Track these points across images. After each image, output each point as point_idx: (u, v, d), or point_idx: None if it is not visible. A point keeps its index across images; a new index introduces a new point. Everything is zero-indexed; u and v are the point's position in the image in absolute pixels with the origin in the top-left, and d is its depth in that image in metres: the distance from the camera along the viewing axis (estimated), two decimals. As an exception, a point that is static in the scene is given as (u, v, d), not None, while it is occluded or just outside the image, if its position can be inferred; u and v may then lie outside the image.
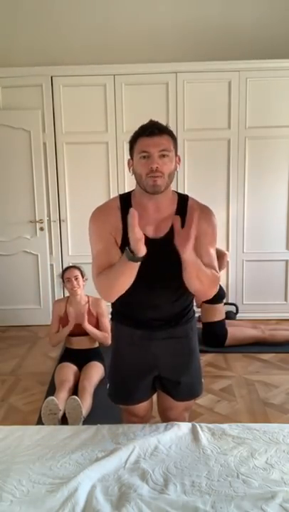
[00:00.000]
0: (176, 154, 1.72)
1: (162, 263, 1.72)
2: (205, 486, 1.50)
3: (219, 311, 3.82)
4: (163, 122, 1.77)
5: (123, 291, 1.68)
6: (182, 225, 1.61)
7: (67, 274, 3.34)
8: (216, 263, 1.79)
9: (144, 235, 1.63)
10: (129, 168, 1.76)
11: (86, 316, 3.23)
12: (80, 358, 3.20)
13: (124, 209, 1.73)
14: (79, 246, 4.42)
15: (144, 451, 1.67)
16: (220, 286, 3.76)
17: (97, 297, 3.25)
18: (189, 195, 1.86)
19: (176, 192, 1.83)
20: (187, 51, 4.40)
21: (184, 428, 1.81)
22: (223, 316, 3.86)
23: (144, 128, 1.69)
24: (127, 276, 1.64)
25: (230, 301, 4.56)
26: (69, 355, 3.28)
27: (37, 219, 4.46)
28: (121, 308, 1.88)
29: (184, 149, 4.33)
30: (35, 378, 3.46)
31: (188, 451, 1.69)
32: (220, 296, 3.74)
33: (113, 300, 1.77)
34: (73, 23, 4.44)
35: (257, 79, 4.28)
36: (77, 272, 3.32)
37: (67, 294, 3.51)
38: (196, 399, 2.00)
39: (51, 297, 4.56)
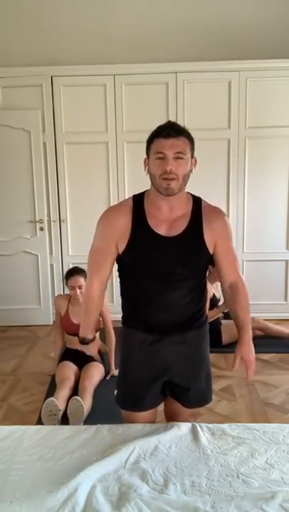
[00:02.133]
0: (192, 156, 1.72)
1: (175, 262, 1.73)
2: (205, 486, 1.50)
3: (210, 316, 3.88)
4: (163, 122, 1.77)
5: None
6: (197, 221, 1.74)
7: (72, 283, 3.27)
8: (237, 263, 1.88)
9: (158, 233, 1.72)
10: (145, 168, 1.76)
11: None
12: (81, 359, 3.18)
13: (136, 208, 1.76)
14: (79, 246, 4.42)
15: (144, 451, 1.67)
16: (213, 294, 3.73)
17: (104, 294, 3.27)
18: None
19: (190, 193, 1.83)
20: (187, 51, 4.40)
21: (184, 428, 1.81)
22: (214, 318, 3.90)
23: (162, 128, 1.69)
24: None
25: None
26: (69, 354, 3.26)
27: (37, 219, 4.46)
28: (133, 309, 1.84)
29: (184, 149, 4.33)
30: (35, 378, 3.46)
31: (188, 451, 1.69)
32: (211, 304, 3.75)
33: None
34: (73, 23, 4.44)
35: (257, 79, 4.28)
36: (81, 281, 3.22)
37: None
38: (205, 405, 1.98)
39: (51, 297, 4.56)
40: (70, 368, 3.12)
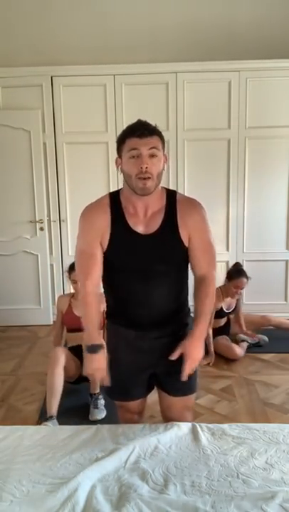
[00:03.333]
0: (163, 153, 1.74)
1: (154, 258, 1.75)
2: (205, 486, 1.50)
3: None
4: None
5: None
6: (171, 216, 1.75)
7: (74, 276, 3.20)
8: (213, 257, 1.84)
9: (136, 231, 1.75)
10: (117, 167, 1.78)
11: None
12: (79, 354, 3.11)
13: (113, 206, 1.78)
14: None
15: (144, 451, 1.67)
16: (221, 307, 3.73)
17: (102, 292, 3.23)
18: (192, 196, 1.89)
19: (164, 187, 1.84)
20: (187, 51, 4.40)
21: (184, 428, 1.81)
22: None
23: (134, 129, 1.69)
24: None
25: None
26: (71, 352, 3.16)
27: (37, 219, 4.46)
28: (115, 305, 1.89)
29: (183, 149, 4.33)
30: (35, 378, 3.46)
31: (188, 451, 1.69)
32: (216, 316, 3.74)
33: None
34: (73, 23, 4.44)
35: (257, 79, 4.28)
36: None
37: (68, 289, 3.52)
38: (191, 395, 1.98)
39: (51, 297, 4.56)
40: (60, 373, 2.92)
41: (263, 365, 3.53)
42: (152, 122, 1.74)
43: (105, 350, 1.78)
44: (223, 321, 3.84)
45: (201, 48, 4.40)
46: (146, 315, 1.81)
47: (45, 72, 4.29)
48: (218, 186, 4.42)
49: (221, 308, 3.75)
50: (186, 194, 1.84)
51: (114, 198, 1.81)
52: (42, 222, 4.46)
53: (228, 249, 4.48)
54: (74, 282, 3.20)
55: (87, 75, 4.30)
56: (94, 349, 1.76)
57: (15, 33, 4.44)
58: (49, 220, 4.50)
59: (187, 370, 1.72)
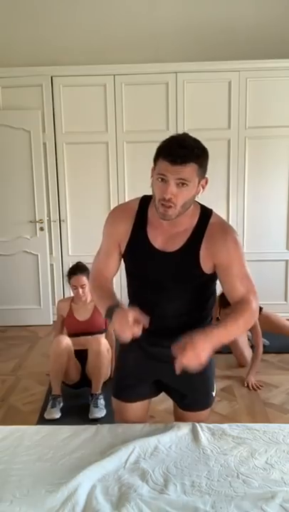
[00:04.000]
0: (200, 180, 1.56)
1: (166, 277, 1.66)
2: (205, 486, 1.50)
3: None
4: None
5: None
6: (197, 238, 1.62)
7: (74, 281, 3.22)
8: (249, 283, 1.66)
9: (153, 246, 1.65)
10: (151, 177, 1.62)
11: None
12: (85, 357, 3.11)
13: (139, 214, 1.70)
14: (79, 246, 4.42)
15: (144, 451, 1.67)
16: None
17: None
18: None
19: (200, 204, 1.69)
20: (187, 51, 4.40)
21: (183, 428, 1.80)
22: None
23: (169, 150, 1.50)
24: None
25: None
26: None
27: (37, 219, 4.46)
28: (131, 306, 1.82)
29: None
30: (35, 378, 3.46)
31: (188, 451, 1.69)
32: None
33: None
34: (73, 23, 4.44)
35: (257, 79, 4.28)
36: (84, 280, 3.16)
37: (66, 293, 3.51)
38: (203, 411, 1.88)
39: (51, 297, 4.56)
40: (65, 353, 3.00)
41: (263, 365, 3.53)
42: (198, 137, 1.58)
43: (125, 305, 1.66)
44: None
45: (201, 48, 4.40)
46: (158, 324, 1.70)
47: (45, 72, 4.29)
48: (218, 186, 4.42)
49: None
50: None
51: (144, 205, 1.71)
52: (42, 222, 4.46)
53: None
54: (74, 288, 3.22)
55: (87, 75, 4.30)
56: (111, 311, 1.61)
57: (15, 33, 4.45)
58: (49, 220, 4.51)
59: (180, 363, 1.47)
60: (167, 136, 1.59)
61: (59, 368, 2.98)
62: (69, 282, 3.30)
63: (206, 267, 1.64)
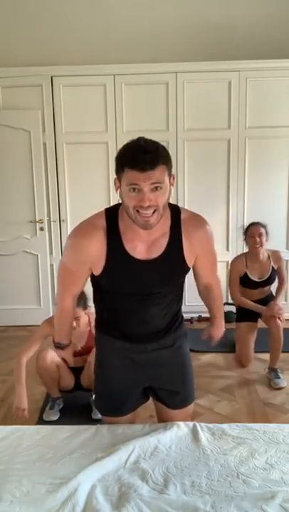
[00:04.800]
0: (170, 177, 1.52)
1: (154, 283, 1.65)
2: (205, 486, 1.50)
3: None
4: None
5: None
6: (176, 238, 1.63)
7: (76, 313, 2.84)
8: (216, 266, 1.85)
9: (135, 258, 1.60)
10: (116, 190, 1.55)
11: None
12: (77, 370, 3.02)
13: (110, 230, 1.59)
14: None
15: (144, 451, 1.67)
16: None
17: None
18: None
19: (169, 204, 1.64)
20: (187, 51, 4.40)
21: (184, 428, 1.81)
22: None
23: (134, 160, 1.43)
24: None
25: (230, 301, 4.56)
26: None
27: (37, 219, 4.46)
28: (108, 319, 1.79)
29: (183, 149, 4.32)
30: (35, 378, 3.45)
31: (188, 451, 1.69)
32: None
33: None
34: (73, 23, 4.44)
35: (257, 79, 4.28)
36: (78, 312, 2.74)
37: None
38: (191, 404, 1.95)
39: (51, 297, 4.56)
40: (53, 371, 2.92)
41: (263, 365, 3.52)
42: (153, 136, 1.55)
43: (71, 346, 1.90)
44: (257, 294, 3.55)
45: (201, 48, 4.40)
46: (142, 330, 1.73)
47: (45, 72, 4.29)
48: (218, 186, 4.42)
49: (247, 275, 3.50)
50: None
51: (112, 219, 1.60)
52: (42, 222, 4.46)
53: (228, 249, 4.48)
54: (76, 319, 2.73)
55: (87, 75, 4.30)
56: (61, 346, 1.89)
57: (15, 33, 4.45)
58: (49, 220, 4.51)
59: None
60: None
61: (50, 380, 2.94)
62: None
63: (190, 261, 1.69)
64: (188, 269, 1.71)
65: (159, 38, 4.43)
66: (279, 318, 3.33)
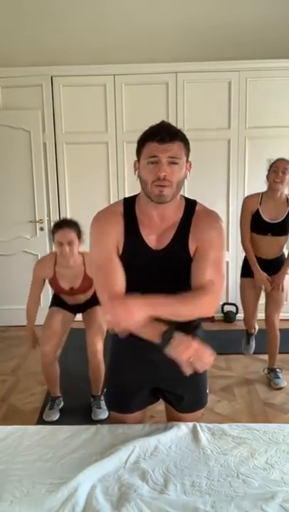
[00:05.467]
0: (187, 161, 1.59)
1: (163, 275, 1.63)
2: (205, 486, 1.50)
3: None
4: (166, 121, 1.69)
5: None
6: (184, 230, 1.60)
7: (60, 237, 2.69)
8: (218, 276, 1.61)
9: (148, 245, 1.61)
10: (135, 171, 1.65)
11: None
12: (76, 309, 2.96)
13: (127, 215, 1.64)
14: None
15: (144, 451, 1.67)
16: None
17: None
18: (191, 197, 1.75)
19: (184, 197, 1.69)
20: (187, 51, 4.40)
21: (184, 428, 1.80)
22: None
23: (155, 132, 1.55)
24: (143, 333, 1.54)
25: (230, 301, 4.57)
26: (61, 303, 2.95)
27: (37, 219, 4.46)
28: None
29: (184, 149, 4.32)
30: (35, 378, 3.46)
31: (188, 451, 1.69)
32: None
33: None
34: (73, 23, 4.44)
35: (257, 79, 4.28)
36: (72, 236, 2.69)
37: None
38: (202, 409, 1.90)
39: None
40: (58, 319, 2.87)
41: (263, 365, 3.53)
42: (175, 125, 1.61)
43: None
44: (266, 244, 3.20)
45: (201, 48, 4.40)
46: None
47: (45, 72, 4.29)
48: (218, 186, 4.43)
49: (259, 214, 3.17)
50: (185, 195, 1.75)
51: (129, 206, 1.66)
52: (42, 222, 4.46)
53: (228, 249, 4.48)
54: (59, 245, 2.71)
55: (87, 75, 4.30)
56: (168, 333, 1.53)
57: (15, 33, 4.45)
58: (49, 220, 4.51)
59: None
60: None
61: (51, 377, 2.96)
62: (53, 240, 2.78)
63: (192, 251, 1.62)
64: (191, 259, 1.64)
65: (159, 38, 4.43)
66: (281, 288, 3.21)
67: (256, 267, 3.21)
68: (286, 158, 3.16)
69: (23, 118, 4.33)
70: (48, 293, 3.02)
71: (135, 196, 1.70)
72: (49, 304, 3.08)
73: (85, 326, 2.95)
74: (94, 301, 2.82)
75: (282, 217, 3.14)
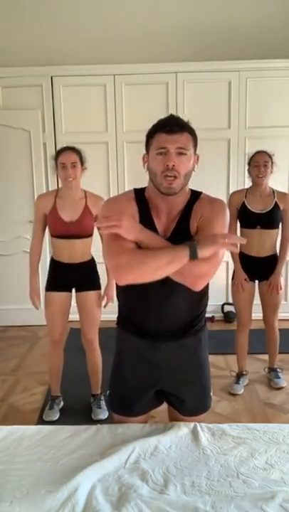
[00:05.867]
0: (194, 153, 1.63)
1: None
2: (205, 486, 1.50)
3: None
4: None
5: (149, 280, 1.49)
6: (185, 218, 1.61)
7: (63, 158, 2.72)
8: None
9: (158, 232, 1.61)
10: (144, 164, 1.65)
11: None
12: (72, 278, 2.85)
13: (139, 200, 1.66)
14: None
15: (144, 451, 1.67)
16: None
17: (96, 195, 2.90)
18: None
19: (191, 189, 1.70)
20: (187, 51, 4.40)
21: (184, 428, 1.80)
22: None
23: (164, 123, 1.59)
24: (171, 269, 1.49)
25: (230, 301, 4.56)
26: (59, 272, 2.88)
27: (37, 219, 4.45)
28: (127, 313, 1.76)
29: (184, 149, 4.33)
30: (35, 378, 3.46)
31: (188, 452, 1.69)
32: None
33: (126, 283, 1.52)
34: (73, 23, 4.44)
35: (257, 79, 4.29)
36: (75, 158, 2.74)
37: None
38: (205, 413, 1.87)
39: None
40: (57, 305, 2.85)
41: (263, 365, 3.53)
42: (185, 119, 1.63)
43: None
44: (256, 238, 3.07)
45: (201, 48, 4.40)
46: (160, 325, 1.68)
47: (45, 72, 4.30)
48: (218, 186, 4.42)
49: (245, 206, 3.09)
50: None
51: (140, 194, 1.68)
52: (42, 222, 4.45)
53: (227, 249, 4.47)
54: (63, 167, 2.73)
55: (87, 75, 4.30)
56: (190, 247, 1.51)
57: (15, 33, 4.45)
58: (49, 220, 4.50)
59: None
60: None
61: (56, 367, 2.99)
62: (56, 165, 2.79)
63: (194, 231, 1.61)
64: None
65: (159, 38, 4.43)
66: (278, 289, 3.12)
67: (237, 265, 3.16)
68: (264, 150, 3.12)
69: (23, 118, 4.33)
70: (44, 273, 2.99)
71: (143, 188, 1.71)
72: (45, 285, 2.96)
73: (79, 315, 2.93)
74: (89, 273, 2.87)
75: (270, 207, 3.08)
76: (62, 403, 3.02)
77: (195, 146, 1.63)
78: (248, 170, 3.14)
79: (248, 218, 3.09)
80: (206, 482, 1.52)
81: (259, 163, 3.07)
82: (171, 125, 1.56)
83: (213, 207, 1.64)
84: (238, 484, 1.51)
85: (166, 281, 1.55)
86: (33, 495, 1.47)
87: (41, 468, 1.61)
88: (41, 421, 2.86)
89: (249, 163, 3.14)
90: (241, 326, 3.31)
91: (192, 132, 1.61)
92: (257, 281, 3.23)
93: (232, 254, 3.14)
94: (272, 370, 3.36)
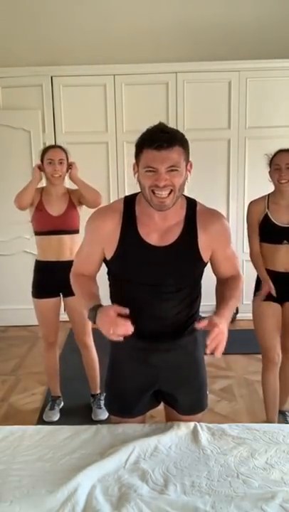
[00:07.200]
0: (187, 163, 1.55)
1: (167, 273, 1.62)
2: (205, 486, 1.50)
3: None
4: (164, 122, 1.68)
5: None
6: (191, 228, 1.62)
7: (51, 155, 2.79)
8: (236, 261, 1.78)
9: (148, 242, 1.60)
10: (134, 174, 1.61)
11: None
12: (59, 282, 2.56)
13: (126, 213, 1.63)
14: (78, 246, 4.42)
15: (144, 451, 1.67)
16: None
17: (75, 188, 2.96)
18: (191, 196, 1.73)
19: (184, 196, 1.67)
20: (187, 51, 4.40)
21: (183, 428, 1.80)
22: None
23: (152, 138, 1.49)
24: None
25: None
26: (44, 280, 2.91)
27: (37, 219, 4.45)
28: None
29: (184, 149, 4.33)
30: (35, 378, 3.46)
31: (188, 452, 1.68)
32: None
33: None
34: (73, 23, 4.44)
35: (257, 79, 4.29)
36: (62, 155, 2.80)
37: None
38: (202, 412, 1.87)
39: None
40: (47, 310, 2.90)
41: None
42: (173, 126, 1.61)
43: (107, 305, 1.59)
44: (284, 255, 2.58)
45: (201, 48, 4.40)
46: (155, 328, 1.69)
47: (45, 72, 4.30)
48: (218, 186, 4.43)
49: (268, 218, 2.57)
50: (186, 194, 1.75)
51: (129, 203, 1.66)
52: (42, 222, 4.45)
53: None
54: (50, 163, 2.80)
55: (87, 75, 4.30)
56: (94, 312, 1.56)
57: (15, 33, 4.45)
58: (49, 220, 4.50)
59: (212, 339, 1.53)
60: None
61: (52, 370, 3.01)
62: (42, 161, 2.86)
63: (205, 255, 1.65)
64: (203, 263, 1.66)
65: (159, 38, 4.43)
66: None
67: (267, 279, 2.67)
68: (287, 149, 2.55)
69: (23, 118, 4.33)
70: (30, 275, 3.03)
71: (136, 195, 1.70)
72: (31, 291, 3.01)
73: (70, 319, 2.94)
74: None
75: None
76: (62, 403, 3.02)
77: (187, 157, 1.54)
78: (269, 173, 2.60)
79: (272, 233, 2.58)
80: (206, 482, 1.52)
81: (280, 165, 2.50)
82: (160, 141, 1.46)
83: (222, 222, 1.68)
84: (238, 484, 1.51)
85: (158, 290, 1.62)
86: (33, 495, 1.47)
87: (41, 468, 1.61)
88: (41, 421, 2.86)
89: (270, 166, 2.59)
90: (270, 363, 2.63)
91: (183, 143, 1.52)
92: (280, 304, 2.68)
93: (256, 262, 2.74)
94: (280, 413, 2.75)
